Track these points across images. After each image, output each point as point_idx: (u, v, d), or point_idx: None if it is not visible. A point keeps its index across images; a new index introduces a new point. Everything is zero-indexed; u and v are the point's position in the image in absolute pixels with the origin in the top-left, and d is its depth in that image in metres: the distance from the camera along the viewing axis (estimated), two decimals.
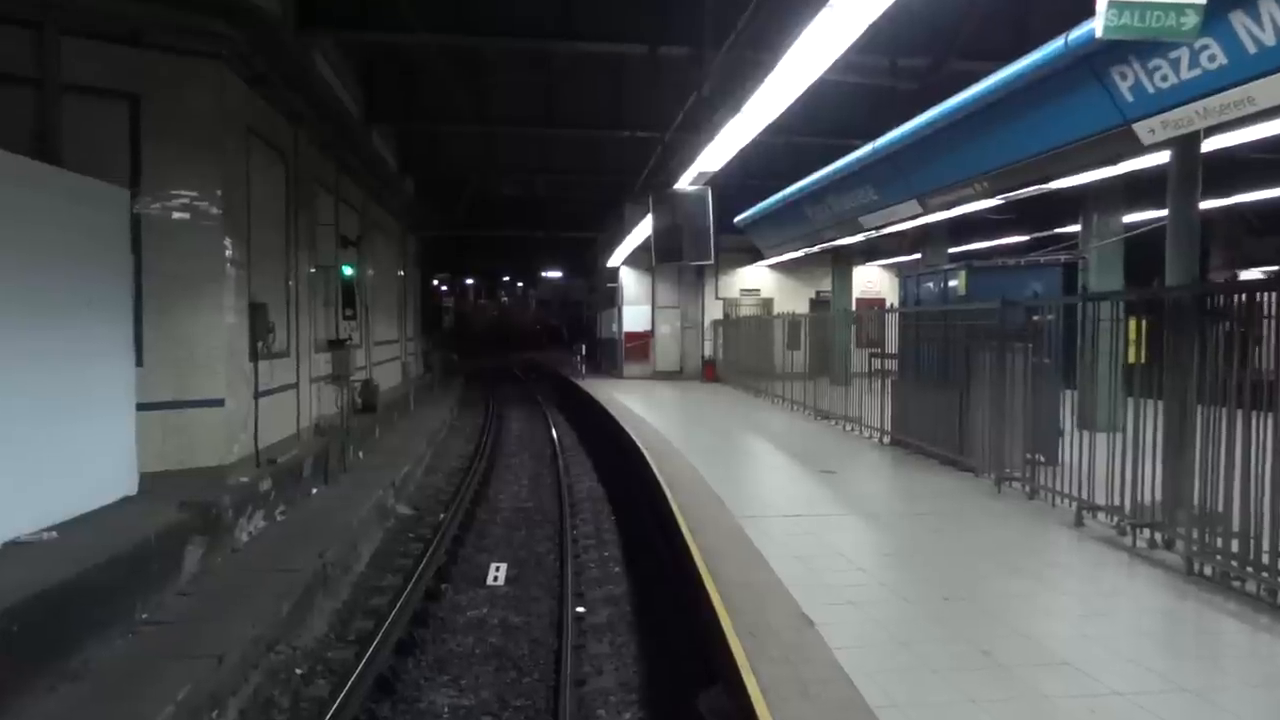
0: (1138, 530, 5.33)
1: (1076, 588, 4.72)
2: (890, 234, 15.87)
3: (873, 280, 22.89)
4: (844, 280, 19.94)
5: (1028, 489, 6.93)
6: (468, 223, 22.65)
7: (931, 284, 9.13)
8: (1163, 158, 8.16)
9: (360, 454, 11.73)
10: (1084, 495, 5.93)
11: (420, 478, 12.13)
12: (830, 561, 5.10)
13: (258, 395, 7.84)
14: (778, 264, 22.35)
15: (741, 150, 9.61)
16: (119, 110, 6.54)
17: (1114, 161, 6.95)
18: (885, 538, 6.01)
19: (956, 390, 8.21)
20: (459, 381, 26.98)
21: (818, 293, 22.64)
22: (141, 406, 6.62)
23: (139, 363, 6.64)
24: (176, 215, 6.87)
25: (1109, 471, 5.63)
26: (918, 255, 20.29)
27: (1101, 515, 5.81)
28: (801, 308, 21.18)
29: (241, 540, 7.12)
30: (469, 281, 60.53)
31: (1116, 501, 5.58)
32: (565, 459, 13.76)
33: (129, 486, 6.50)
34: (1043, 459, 7.50)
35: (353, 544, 7.92)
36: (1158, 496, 5.28)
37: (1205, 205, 12.88)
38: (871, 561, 5.30)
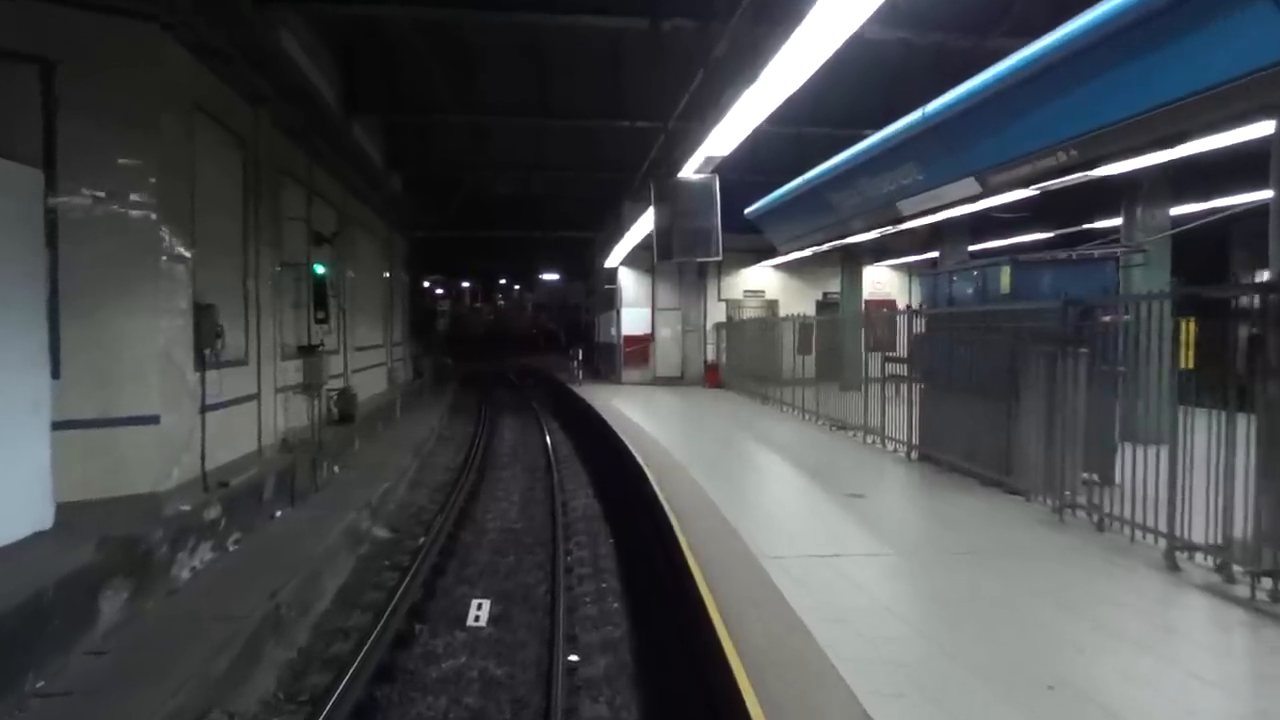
0: (1256, 579, 4.36)
1: (1210, 666, 3.68)
2: (900, 232, 14.88)
3: (881, 281, 21.93)
4: (854, 281, 18.99)
5: (1095, 518, 5.96)
6: (461, 222, 21.66)
7: (966, 282, 8.17)
8: (1222, 141, 7.25)
9: (336, 469, 10.77)
10: (1164, 526, 4.96)
11: (402, 494, 11.17)
12: (882, 623, 4.10)
13: (205, 409, 6.87)
14: (783, 264, 21.40)
15: (743, 143, 8.66)
16: (27, 77, 5.57)
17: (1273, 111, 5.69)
18: (943, 587, 4.94)
19: (1000, 401, 7.26)
20: (451, 387, 26.01)
21: (825, 294, 21.68)
22: (58, 425, 5.65)
23: (55, 374, 5.66)
24: (102, 202, 5.89)
25: (1207, 501, 4.65)
26: (931, 254, 19.36)
27: (1199, 556, 4.84)
28: (808, 309, 20.21)
29: (182, 579, 6.15)
30: (465, 285, 59.70)
31: (1213, 538, 4.62)
32: (560, 471, 12.84)
33: (41, 520, 5.53)
34: (1097, 478, 6.59)
35: (315, 577, 6.95)
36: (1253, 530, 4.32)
37: (1232, 201, 12.00)
38: (935, 623, 4.28)
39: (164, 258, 6.17)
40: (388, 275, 17.52)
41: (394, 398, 17.06)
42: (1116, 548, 5.40)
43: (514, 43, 12.36)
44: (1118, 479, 6.13)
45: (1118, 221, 13.45)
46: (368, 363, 14.82)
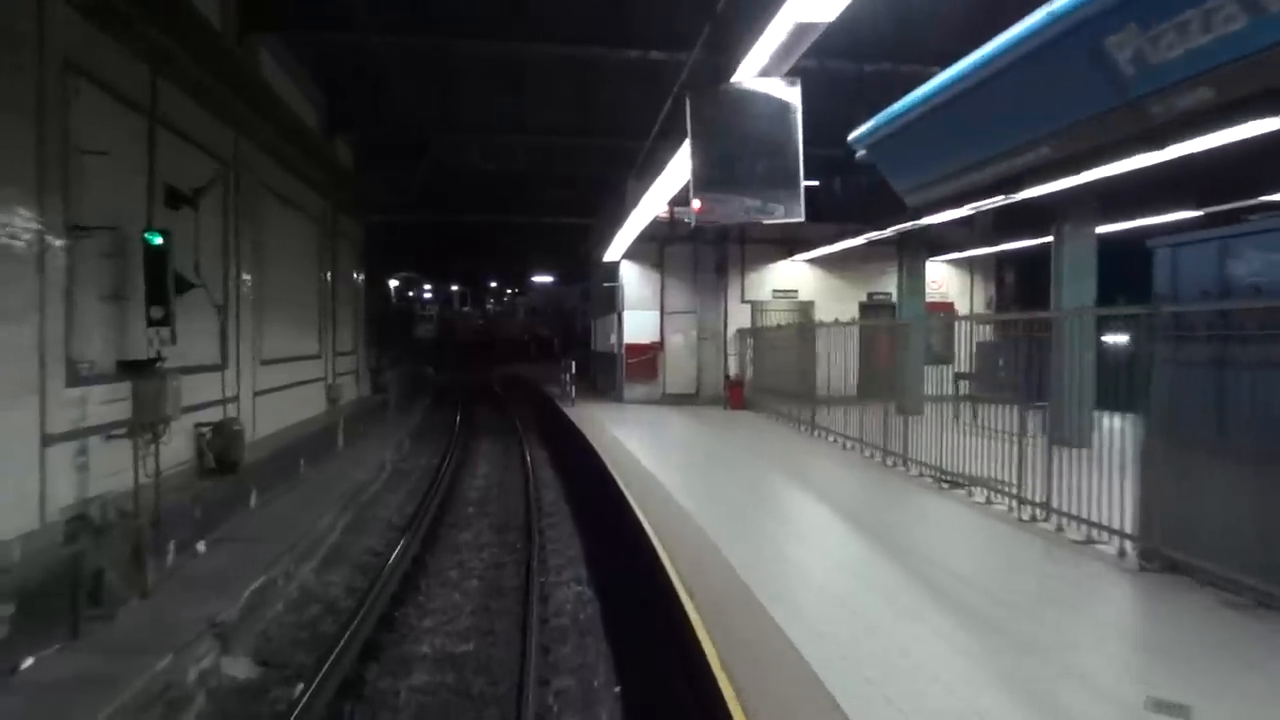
0: None
1: None
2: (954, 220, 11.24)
3: (938, 280, 18.21)
4: (916, 278, 15.32)
5: None
6: (430, 203, 17.90)
7: (1274, 252, 4.47)
8: None
9: (201, 548, 7.09)
10: None
11: (304, 582, 7.45)
12: None
13: None
14: (819, 259, 17.77)
15: None
16: None
17: None
18: None
19: None
20: (424, 404, 22.26)
21: (870, 294, 18.06)
22: None
23: None
24: None
25: None
26: (996, 248, 15.69)
27: None
28: (849, 312, 16.45)
29: None
30: (455, 288, 56.13)
31: None
32: (542, 529, 9.24)
33: None
34: None
35: None
36: None
37: None
38: None
39: None
40: (330, 266, 13.81)
41: (335, 421, 13.34)
42: None
43: None
44: None
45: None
46: (289, 379, 11.11)
